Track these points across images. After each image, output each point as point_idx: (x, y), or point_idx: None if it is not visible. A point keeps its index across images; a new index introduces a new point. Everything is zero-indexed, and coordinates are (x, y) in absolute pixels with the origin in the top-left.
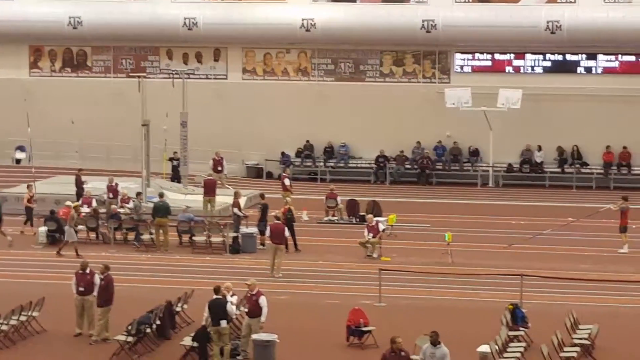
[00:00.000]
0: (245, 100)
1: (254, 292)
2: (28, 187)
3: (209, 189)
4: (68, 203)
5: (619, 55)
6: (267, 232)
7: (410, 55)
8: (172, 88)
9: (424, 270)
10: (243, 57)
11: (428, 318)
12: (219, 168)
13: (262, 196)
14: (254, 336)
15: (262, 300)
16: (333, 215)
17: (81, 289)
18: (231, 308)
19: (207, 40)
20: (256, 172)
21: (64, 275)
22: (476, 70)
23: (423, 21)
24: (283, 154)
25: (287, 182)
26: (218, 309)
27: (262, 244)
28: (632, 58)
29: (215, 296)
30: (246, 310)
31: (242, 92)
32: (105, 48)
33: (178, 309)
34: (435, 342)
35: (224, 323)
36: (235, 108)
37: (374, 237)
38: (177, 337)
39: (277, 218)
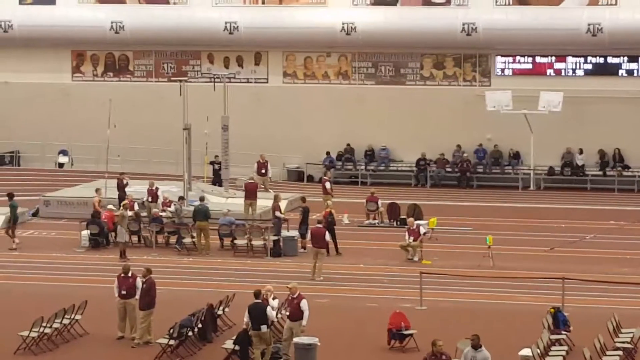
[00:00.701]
0: (286, 104)
1: (295, 296)
2: (97, 191)
3: (250, 193)
4: (110, 207)
5: None
6: (308, 236)
7: (450, 58)
8: (213, 92)
9: (465, 274)
10: (284, 61)
11: (469, 321)
12: (263, 171)
13: (303, 199)
14: (296, 339)
15: (304, 304)
16: (374, 219)
17: (123, 292)
18: (271, 312)
19: (248, 44)
20: (297, 176)
21: (106, 278)
22: (517, 73)
23: (463, 24)
24: (328, 153)
25: (328, 185)
26: (258, 313)
27: (304, 248)
28: None
29: (255, 300)
30: (287, 313)
31: (283, 95)
32: (146, 52)
33: (219, 312)
34: (476, 346)
35: (264, 328)
36: (276, 112)
37: (414, 240)
38: (218, 341)
39: (319, 222)
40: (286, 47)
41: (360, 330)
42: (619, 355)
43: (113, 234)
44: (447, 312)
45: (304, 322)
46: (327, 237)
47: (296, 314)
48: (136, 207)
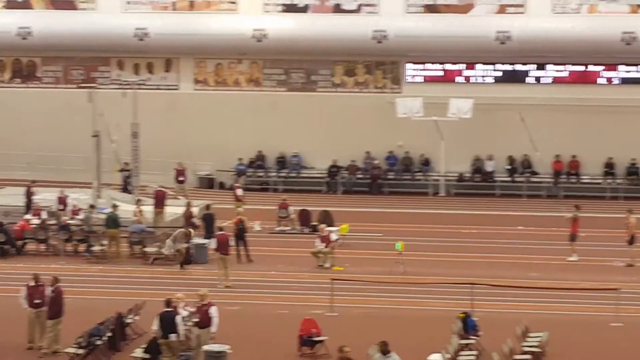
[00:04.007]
0: (197, 111)
1: (204, 303)
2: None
3: (159, 200)
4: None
5: (568, 65)
6: (214, 244)
7: (361, 66)
8: (123, 99)
9: (376, 280)
10: (194, 68)
11: (380, 327)
12: (181, 178)
13: (207, 207)
14: (206, 347)
15: (213, 311)
16: (285, 226)
17: (37, 301)
18: (181, 321)
19: (159, 51)
20: (208, 183)
21: (14, 287)
22: (427, 80)
23: (374, 31)
24: (240, 160)
25: (239, 192)
26: (168, 322)
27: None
28: (582, 68)
29: (165, 308)
30: (197, 320)
31: (194, 102)
32: (55, 59)
33: (129, 320)
34: (385, 352)
35: (173, 336)
36: (187, 118)
37: (326, 247)
38: (128, 349)
39: (221, 229)
40: (197, 53)
41: (271, 337)
42: (527, 359)
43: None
44: (358, 318)
45: (213, 329)
46: (231, 243)
47: (205, 321)
48: (44, 215)
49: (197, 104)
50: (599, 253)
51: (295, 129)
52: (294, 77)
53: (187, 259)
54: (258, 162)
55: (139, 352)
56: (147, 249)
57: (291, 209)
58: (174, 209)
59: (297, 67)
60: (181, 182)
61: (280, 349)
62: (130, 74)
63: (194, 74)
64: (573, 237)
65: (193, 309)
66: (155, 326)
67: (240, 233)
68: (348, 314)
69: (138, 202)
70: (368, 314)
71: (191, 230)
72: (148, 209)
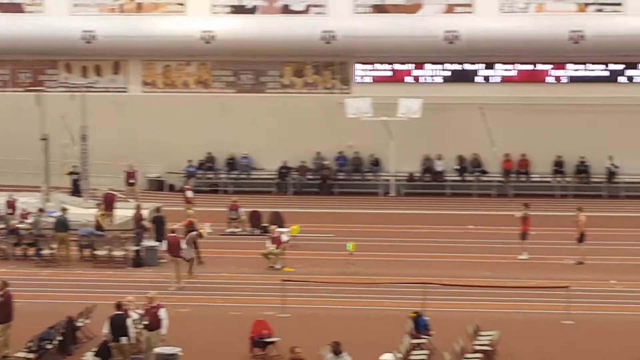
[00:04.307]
0: (146, 113)
1: (153, 305)
2: None
3: (109, 203)
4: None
5: (517, 64)
6: (165, 246)
7: (310, 66)
8: (71, 102)
9: (327, 281)
10: (143, 70)
11: (332, 328)
12: (131, 181)
13: (157, 209)
14: (157, 350)
15: (162, 313)
16: (236, 227)
17: None
18: (132, 324)
19: (106, 53)
20: (158, 185)
21: None
22: (377, 80)
23: (322, 32)
24: (189, 162)
25: (189, 194)
26: (119, 325)
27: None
28: (530, 67)
29: (116, 311)
30: (146, 323)
31: (143, 104)
32: (2, 62)
33: (80, 324)
34: (337, 352)
35: (124, 339)
36: (136, 121)
37: (277, 248)
38: (78, 353)
39: (173, 231)
40: (145, 55)
41: (222, 338)
42: (478, 358)
43: None
44: (310, 319)
45: (162, 331)
46: (183, 245)
47: (155, 324)
48: None
49: (146, 106)
50: (549, 251)
51: (245, 130)
52: (242, 79)
53: (138, 261)
54: (208, 163)
55: (89, 356)
56: (97, 252)
57: (241, 210)
58: (124, 212)
59: (245, 68)
60: (131, 184)
61: (231, 351)
62: (78, 76)
63: (142, 76)
64: (524, 236)
65: (142, 312)
66: (105, 329)
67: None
68: (300, 314)
69: (99, 207)
70: (320, 314)
71: (202, 230)
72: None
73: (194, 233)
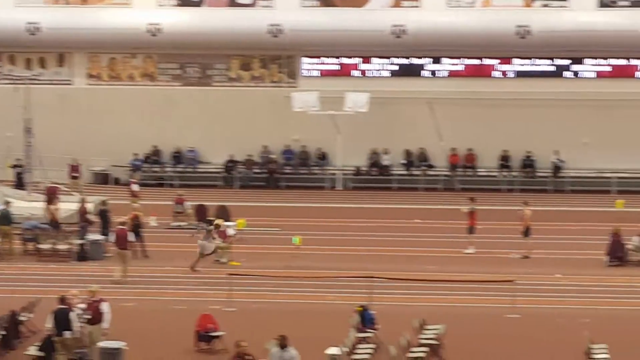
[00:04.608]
0: (91, 106)
1: (95, 299)
2: None
3: (52, 196)
4: None
5: (464, 59)
6: (112, 238)
7: (257, 60)
8: (15, 94)
9: (273, 274)
10: (88, 62)
11: (278, 322)
12: (75, 174)
13: (103, 203)
14: (101, 344)
15: (103, 307)
16: (181, 221)
17: None
18: (76, 318)
19: (51, 45)
20: (102, 178)
21: None
22: (324, 74)
23: (269, 25)
24: (135, 155)
25: (135, 187)
26: (62, 319)
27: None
28: (477, 61)
29: (60, 306)
30: (88, 317)
31: (88, 97)
32: None
33: (23, 318)
34: (283, 346)
35: (68, 334)
36: (81, 114)
37: (223, 242)
38: (22, 347)
39: (121, 224)
40: (90, 48)
41: (168, 332)
42: (425, 352)
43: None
44: (256, 313)
45: (104, 325)
46: (131, 238)
47: (97, 318)
48: None
49: (91, 99)
50: (495, 245)
51: (191, 123)
52: (189, 72)
53: (82, 255)
54: (153, 157)
55: (33, 350)
56: (41, 246)
57: (187, 204)
58: (68, 205)
59: (192, 61)
60: (75, 177)
61: (177, 345)
62: (22, 69)
63: (87, 69)
64: (471, 230)
65: (85, 306)
66: (49, 324)
67: (136, 229)
68: (246, 308)
69: (49, 201)
70: (266, 308)
71: (218, 222)
72: (40, 205)
73: (210, 228)
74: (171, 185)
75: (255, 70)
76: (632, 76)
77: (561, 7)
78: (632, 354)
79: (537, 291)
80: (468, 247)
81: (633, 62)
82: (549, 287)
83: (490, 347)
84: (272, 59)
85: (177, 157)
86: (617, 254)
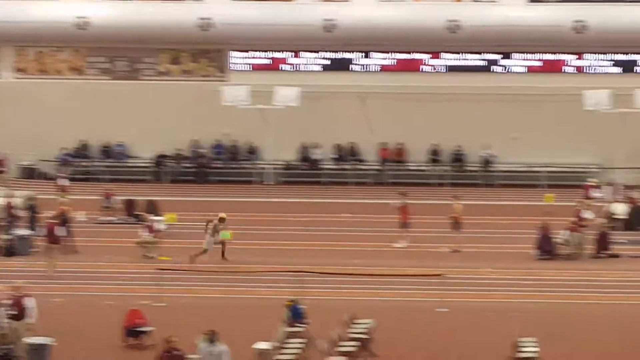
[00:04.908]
0: (19, 100)
1: (19, 295)
2: None
3: None
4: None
5: (394, 53)
6: (42, 233)
7: (187, 54)
8: None
9: (203, 269)
10: (15, 56)
11: (208, 317)
12: (2, 168)
13: (30, 198)
14: (28, 340)
15: (28, 302)
16: (110, 216)
17: None
18: (3, 314)
19: None
20: (30, 173)
21: None
22: (254, 68)
23: (199, 19)
24: (63, 150)
25: (63, 182)
26: None
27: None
28: (407, 56)
29: None
30: (14, 312)
31: (15, 91)
32: None
33: None
34: (212, 341)
35: None
36: (8, 108)
37: (153, 237)
38: None
39: (51, 218)
40: (17, 41)
41: (96, 328)
42: (355, 346)
43: None
44: (186, 308)
45: (29, 320)
46: (60, 233)
47: (21, 313)
48: None
49: (18, 93)
50: (425, 239)
51: (120, 118)
52: (118, 66)
53: (9, 250)
54: (82, 151)
55: None
56: None
57: (116, 198)
58: None
59: (121, 55)
60: (1, 172)
61: (105, 341)
62: None
63: (14, 62)
64: (403, 225)
65: (10, 301)
66: None
67: (64, 223)
68: (175, 303)
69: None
70: (196, 303)
71: (223, 216)
72: None
73: (216, 223)
74: (100, 180)
75: (184, 64)
76: (561, 71)
77: (491, 1)
78: (560, 347)
79: (467, 285)
80: (398, 241)
81: (562, 56)
82: (479, 281)
83: (420, 341)
84: (202, 53)
85: (106, 152)
86: (546, 248)
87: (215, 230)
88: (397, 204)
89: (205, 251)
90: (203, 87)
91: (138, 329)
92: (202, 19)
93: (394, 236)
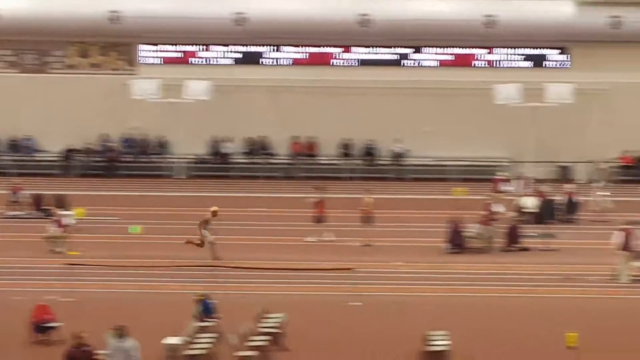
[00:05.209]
0: None
1: None
2: None
3: None
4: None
5: (306, 47)
6: None
7: (96, 47)
8: None
9: (113, 264)
10: None
11: (118, 312)
12: None
13: None
14: None
15: None
16: (18, 210)
17: None
18: None
19: None
20: None
21: None
22: (165, 61)
23: (109, 12)
24: None
25: None
26: None
27: None
28: (319, 49)
29: None
30: None
31: None
32: None
33: None
34: (121, 336)
35: None
36: None
37: (62, 231)
38: None
39: None
40: None
41: (3, 324)
42: (266, 340)
43: None
44: (95, 303)
45: None
46: None
47: None
48: None
49: None
50: (337, 233)
51: (28, 111)
52: (26, 59)
53: None
54: None
55: None
56: None
57: (24, 193)
58: None
59: (29, 48)
60: None
61: (12, 337)
62: None
63: None
64: (318, 219)
65: None
66: None
67: None
68: (84, 298)
69: None
70: (105, 298)
71: (215, 209)
72: None
73: (207, 217)
74: (7, 174)
75: (94, 57)
76: (472, 65)
77: None
78: (470, 340)
79: (378, 279)
80: (313, 235)
81: (473, 51)
82: (390, 275)
83: (331, 334)
84: (112, 46)
85: (14, 146)
86: (457, 242)
87: (207, 223)
88: (314, 198)
89: (212, 244)
90: (112, 80)
91: (46, 325)
92: (112, 12)
93: (305, 230)
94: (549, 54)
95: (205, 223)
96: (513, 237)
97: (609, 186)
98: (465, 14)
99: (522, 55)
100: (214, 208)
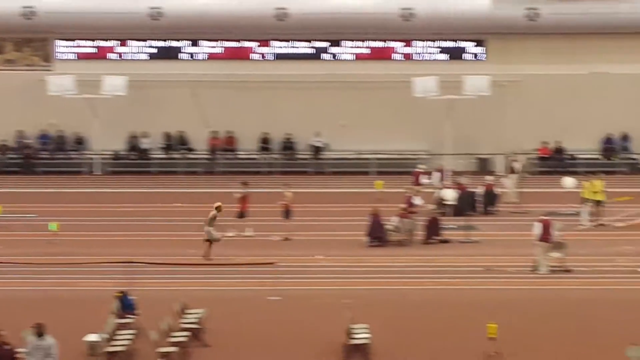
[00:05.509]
0: None
1: None
2: None
3: None
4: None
5: (223, 41)
6: None
7: (10, 43)
8: None
9: (30, 261)
10: None
11: (36, 310)
12: None
13: None
14: None
15: None
16: None
17: None
18: None
19: None
20: None
21: None
22: (80, 57)
23: (22, 7)
24: None
25: None
26: None
27: None
28: (236, 44)
29: None
30: None
31: None
32: None
33: None
34: (40, 334)
35: None
36: None
37: None
38: None
39: None
40: None
41: None
42: (186, 336)
43: None
44: (12, 301)
45: None
46: None
47: None
48: None
49: None
50: (256, 228)
51: None
52: None
53: None
54: None
55: None
56: None
57: None
58: None
59: None
60: None
61: None
62: None
63: None
64: (241, 214)
65: None
66: None
67: None
68: (2, 297)
69: None
70: (23, 296)
71: (219, 205)
72: None
73: (213, 213)
74: None
75: (8, 53)
76: (390, 58)
77: None
78: (391, 333)
79: (299, 273)
80: (245, 230)
81: (391, 44)
82: (310, 269)
83: (252, 329)
84: (26, 41)
85: None
86: (377, 235)
87: (214, 220)
88: (239, 193)
89: (217, 240)
90: (28, 76)
91: None
92: (25, 7)
93: (226, 226)
94: (466, 47)
95: (212, 220)
96: (433, 229)
97: (523, 177)
98: (383, 7)
99: (439, 48)
100: (218, 204)
